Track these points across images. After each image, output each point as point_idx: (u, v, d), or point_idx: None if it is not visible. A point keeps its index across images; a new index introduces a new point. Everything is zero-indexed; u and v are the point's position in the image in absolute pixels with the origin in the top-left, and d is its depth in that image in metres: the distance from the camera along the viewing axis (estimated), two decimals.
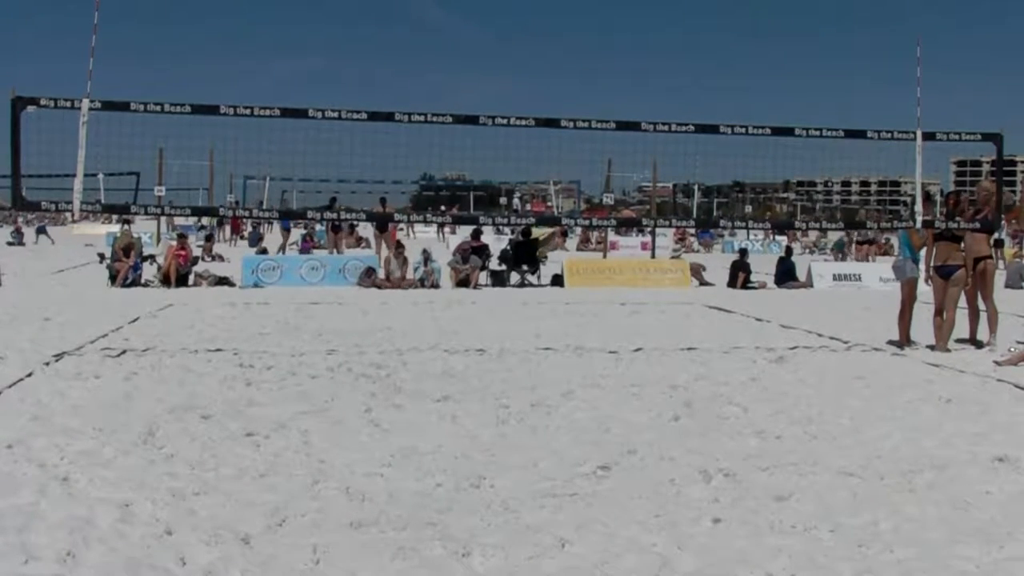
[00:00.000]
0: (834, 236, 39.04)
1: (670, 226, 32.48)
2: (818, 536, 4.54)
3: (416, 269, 20.40)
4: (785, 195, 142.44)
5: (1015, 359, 9.69)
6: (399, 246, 21.06)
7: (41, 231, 42.85)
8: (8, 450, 5.76)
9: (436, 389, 8.15)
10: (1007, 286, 21.53)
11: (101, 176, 26.05)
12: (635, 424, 6.94)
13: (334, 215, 13.69)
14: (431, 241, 35.31)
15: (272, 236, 41.78)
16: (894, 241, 38.36)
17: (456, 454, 5.97)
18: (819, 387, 8.50)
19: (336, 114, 9.84)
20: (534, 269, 21.91)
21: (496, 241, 27.67)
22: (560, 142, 10.65)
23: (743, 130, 10.63)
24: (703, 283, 22.17)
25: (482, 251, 21.49)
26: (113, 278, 19.55)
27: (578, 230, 44.13)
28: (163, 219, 32.23)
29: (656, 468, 5.71)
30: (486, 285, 20.67)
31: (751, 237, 42.21)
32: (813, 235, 47.25)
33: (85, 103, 9.23)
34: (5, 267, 20.84)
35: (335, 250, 28.88)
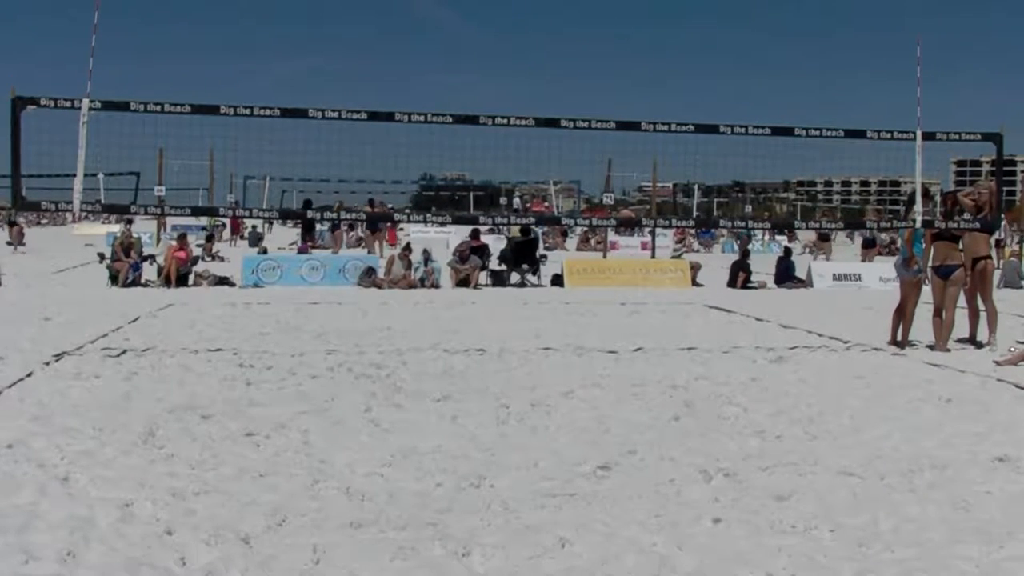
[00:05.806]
0: (838, 237, 38.95)
1: (670, 226, 32.48)
2: (818, 536, 4.54)
3: (416, 269, 20.40)
4: (785, 195, 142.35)
5: (1015, 359, 9.69)
6: (406, 248, 21.05)
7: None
8: (8, 450, 5.76)
9: (436, 389, 8.15)
10: (1005, 285, 21.53)
11: (101, 176, 26.02)
12: (635, 424, 6.94)
13: (334, 215, 13.70)
14: (429, 241, 35.10)
15: (271, 237, 41.80)
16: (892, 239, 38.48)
17: (456, 454, 5.97)
18: (819, 387, 8.50)
19: (336, 114, 9.84)
20: (534, 269, 21.92)
21: (495, 241, 27.64)
22: (560, 142, 10.67)
23: (743, 130, 10.63)
24: (693, 283, 22.12)
25: (482, 251, 21.49)
26: (113, 278, 19.55)
27: (578, 230, 44.04)
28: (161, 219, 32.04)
29: (656, 468, 5.71)
30: (486, 285, 20.67)
31: (750, 236, 42.09)
32: (814, 235, 47.13)
33: (85, 103, 9.23)
34: (5, 267, 20.84)
35: (337, 250, 28.90)
